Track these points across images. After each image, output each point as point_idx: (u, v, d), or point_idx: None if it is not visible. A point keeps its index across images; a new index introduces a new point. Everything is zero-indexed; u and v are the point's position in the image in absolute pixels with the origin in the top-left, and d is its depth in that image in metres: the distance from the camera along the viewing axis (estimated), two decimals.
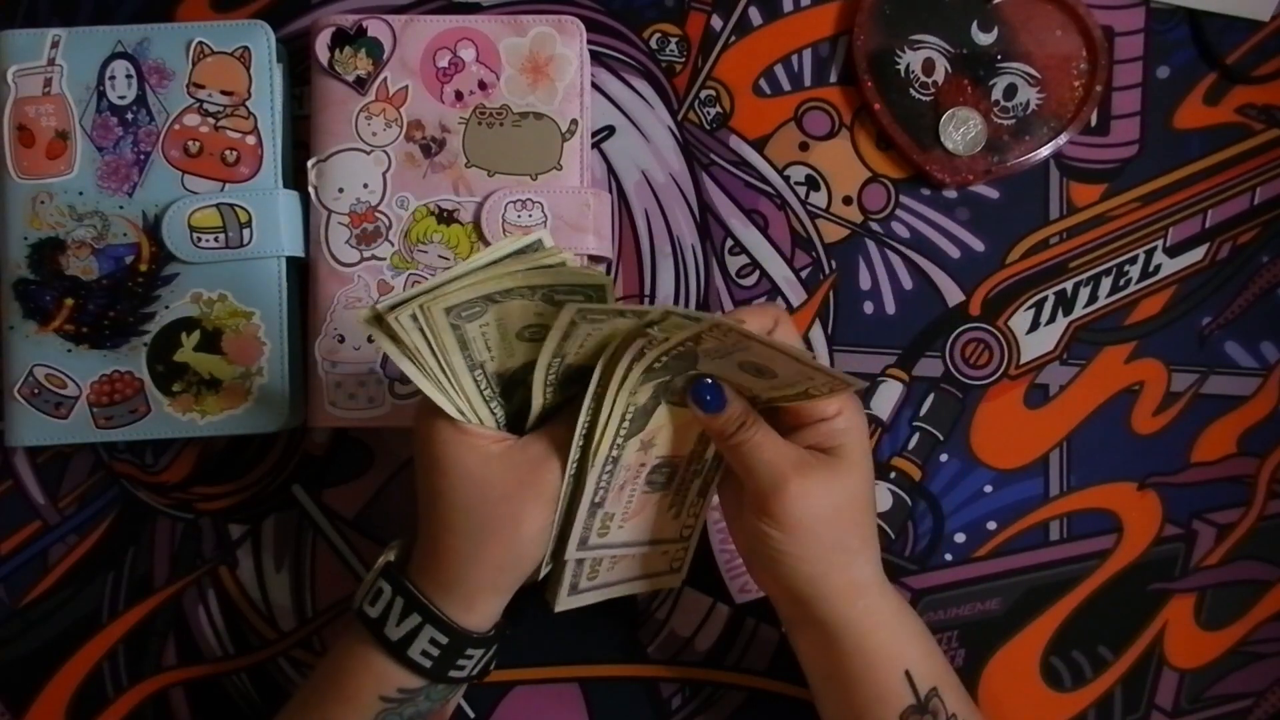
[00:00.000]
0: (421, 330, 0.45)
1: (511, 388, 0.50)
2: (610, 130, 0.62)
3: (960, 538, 0.61)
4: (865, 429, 0.50)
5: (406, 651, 0.49)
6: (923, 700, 0.49)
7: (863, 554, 0.50)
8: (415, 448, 0.50)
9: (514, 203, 0.58)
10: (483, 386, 0.48)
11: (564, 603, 0.54)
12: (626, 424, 0.48)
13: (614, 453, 0.49)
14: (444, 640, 0.49)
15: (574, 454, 0.48)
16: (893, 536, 0.61)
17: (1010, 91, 0.62)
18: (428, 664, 0.49)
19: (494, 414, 0.50)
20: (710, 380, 0.48)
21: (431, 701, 0.52)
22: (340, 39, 0.58)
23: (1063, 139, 0.61)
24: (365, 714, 0.50)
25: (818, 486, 0.48)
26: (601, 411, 0.47)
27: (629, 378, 0.46)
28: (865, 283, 0.62)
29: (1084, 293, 0.62)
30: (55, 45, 0.58)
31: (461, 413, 0.48)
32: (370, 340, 0.58)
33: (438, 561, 0.49)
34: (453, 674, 0.50)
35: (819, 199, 0.62)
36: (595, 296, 0.46)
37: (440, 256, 0.58)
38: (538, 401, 0.49)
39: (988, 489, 0.61)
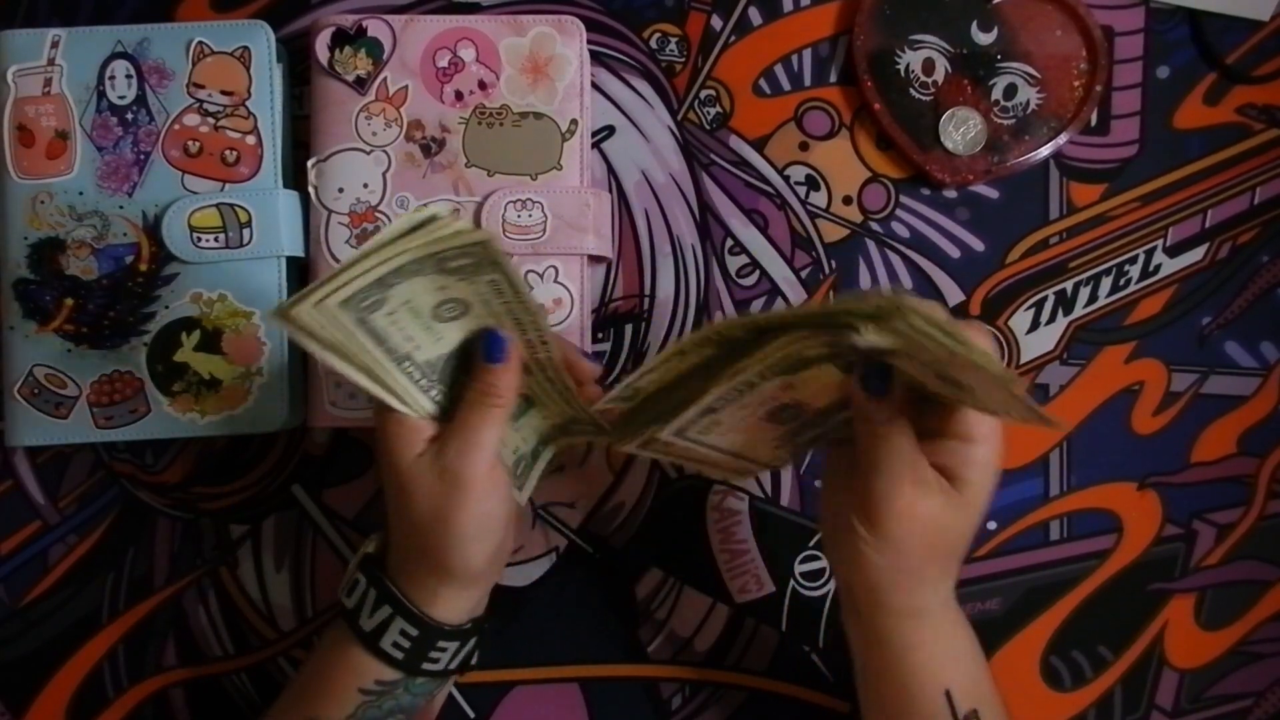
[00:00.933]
0: (329, 325, 0.44)
1: (455, 376, 0.50)
2: (610, 130, 0.62)
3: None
4: (996, 471, 0.48)
5: (379, 643, 0.49)
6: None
7: (936, 584, 0.48)
8: (375, 445, 0.51)
9: (514, 203, 0.58)
10: (417, 377, 0.48)
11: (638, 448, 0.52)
12: (782, 366, 0.46)
13: (756, 380, 0.46)
14: (414, 632, 0.49)
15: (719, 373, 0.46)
16: None
17: (1010, 91, 0.62)
18: (399, 655, 0.49)
19: (437, 401, 0.49)
20: (883, 368, 0.46)
21: (413, 695, 0.52)
22: (340, 39, 0.58)
23: (1063, 139, 0.61)
24: (345, 707, 0.50)
25: (925, 512, 0.46)
26: (765, 346, 0.45)
27: (809, 340, 0.44)
28: (865, 282, 0.62)
29: (1084, 293, 0.62)
30: (55, 45, 0.58)
31: (405, 403, 0.48)
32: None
33: (401, 554, 0.50)
34: (426, 666, 0.50)
35: (819, 199, 0.62)
36: (481, 256, 0.44)
37: None
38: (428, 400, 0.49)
39: None
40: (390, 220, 0.58)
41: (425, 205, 0.43)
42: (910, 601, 0.48)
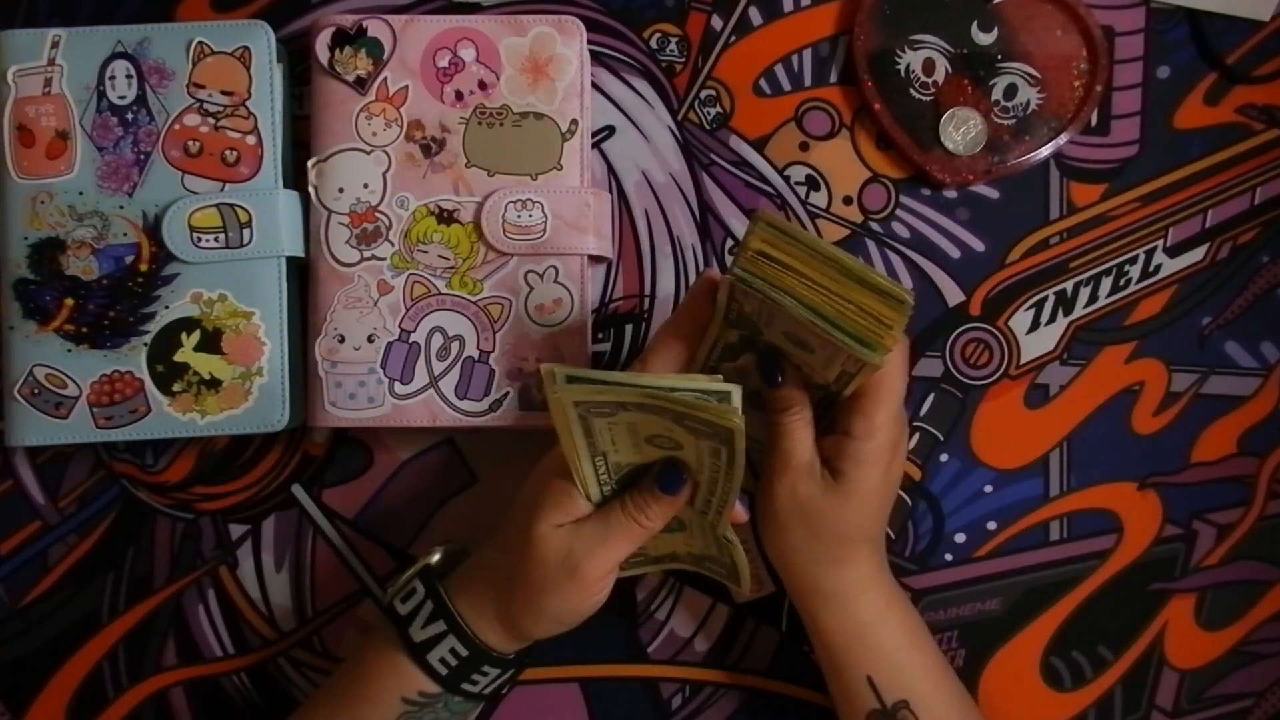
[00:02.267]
0: (582, 417, 0.46)
1: (628, 482, 0.51)
2: (610, 130, 0.62)
3: (960, 538, 0.61)
4: (883, 465, 0.50)
5: (427, 655, 0.50)
6: (890, 708, 0.52)
7: (831, 567, 0.52)
8: (527, 484, 0.52)
9: (514, 203, 0.58)
10: (601, 471, 0.49)
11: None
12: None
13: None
14: (464, 652, 0.50)
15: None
16: (893, 537, 0.61)
17: (1010, 91, 0.62)
18: (444, 671, 0.50)
19: (603, 495, 0.51)
20: (774, 358, 0.50)
21: (452, 713, 0.53)
22: (340, 39, 0.58)
23: (1063, 139, 0.61)
24: (388, 714, 0.51)
25: (803, 494, 0.50)
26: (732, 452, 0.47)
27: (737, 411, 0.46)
28: None
29: (1084, 293, 0.62)
30: (55, 45, 0.58)
31: (579, 480, 0.49)
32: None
33: (479, 579, 0.51)
34: (465, 687, 0.51)
35: (819, 199, 0.62)
36: (723, 435, 0.45)
37: (440, 256, 0.58)
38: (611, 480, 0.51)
39: (988, 489, 0.61)
40: (390, 220, 0.58)
41: (722, 384, 0.45)
42: (807, 581, 0.53)
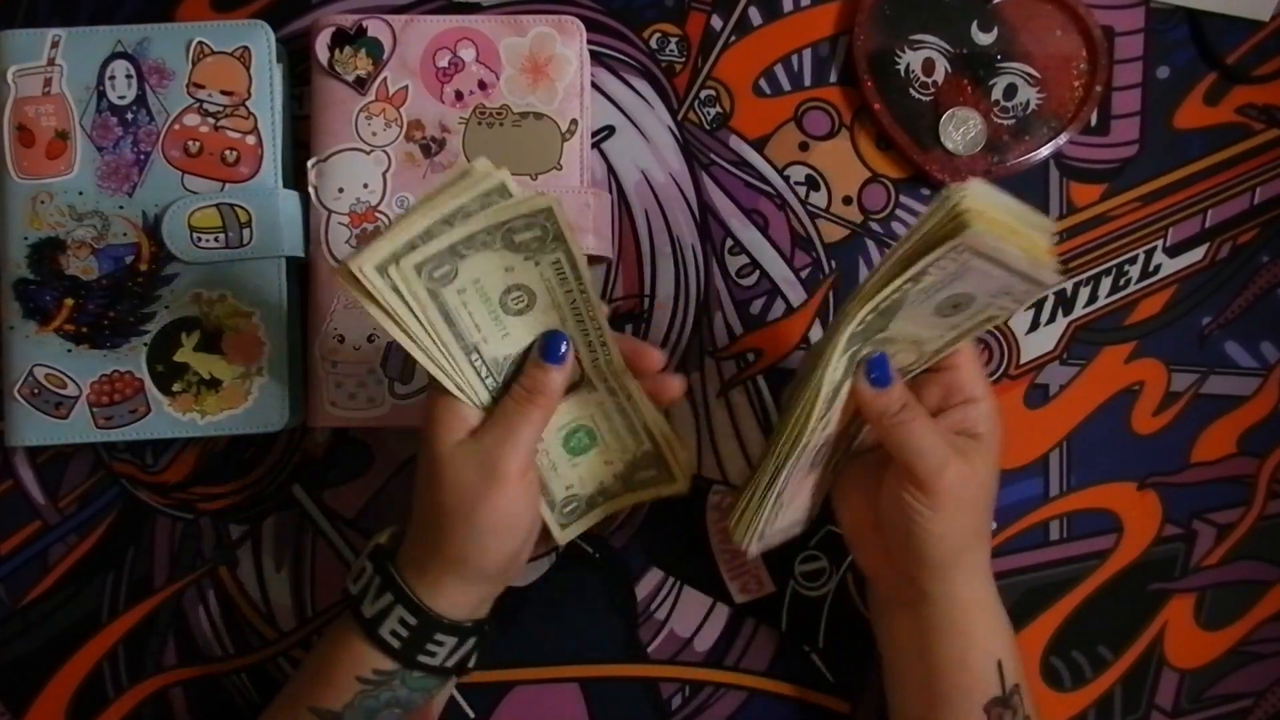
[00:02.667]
0: (397, 290, 0.45)
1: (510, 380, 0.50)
2: (610, 130, 0.62)
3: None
4: (1001, 416, 0.52)
5: (378, 630, 0.50)
6: (1007, 694, 0.50)
7: (987, 541, 0.53)
8: (421, 427, 0.51)
9: None
10: (483, 373, 0.49)
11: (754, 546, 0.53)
12: (828, 403, 0.48)
13: (810, 438, 0.49)
14: (412, 621, 0.50)
15: (784, 446, 0.49)
16: None
17: (1010, 91, 0.62)
18: (396, 644, 0.50)
19: (494, 397, 0.50)
20: (880, 355, 0.49)
21: (410, 690, 0.52)
22: (340, 39, 0.58)
23: (1063, 139, 0.61)
24: (344, 695, 0.51)
25: (974, 469, 0.50)
26: (806, 393, 0.47)
27: (834, 351, 0.46)
28: None
29: (1084, 292, 0.62)
30: (55, 45, 0.58)
31: (460, 389, 0.48)
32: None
33: (414, 541, 0.51)
34: (422, 659, 0.50)
35: (819, 199, 0.62)
36: (547, 222, 0.45)
37: None
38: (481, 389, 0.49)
39: None
40: (390, 220, 0.58)
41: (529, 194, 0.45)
42: (973, 559, 0.51)
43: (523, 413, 0.49)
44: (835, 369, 0.48)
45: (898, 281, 0.44)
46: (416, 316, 0.46)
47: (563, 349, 0.50)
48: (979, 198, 0.43)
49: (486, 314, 0.48)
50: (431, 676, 0.52)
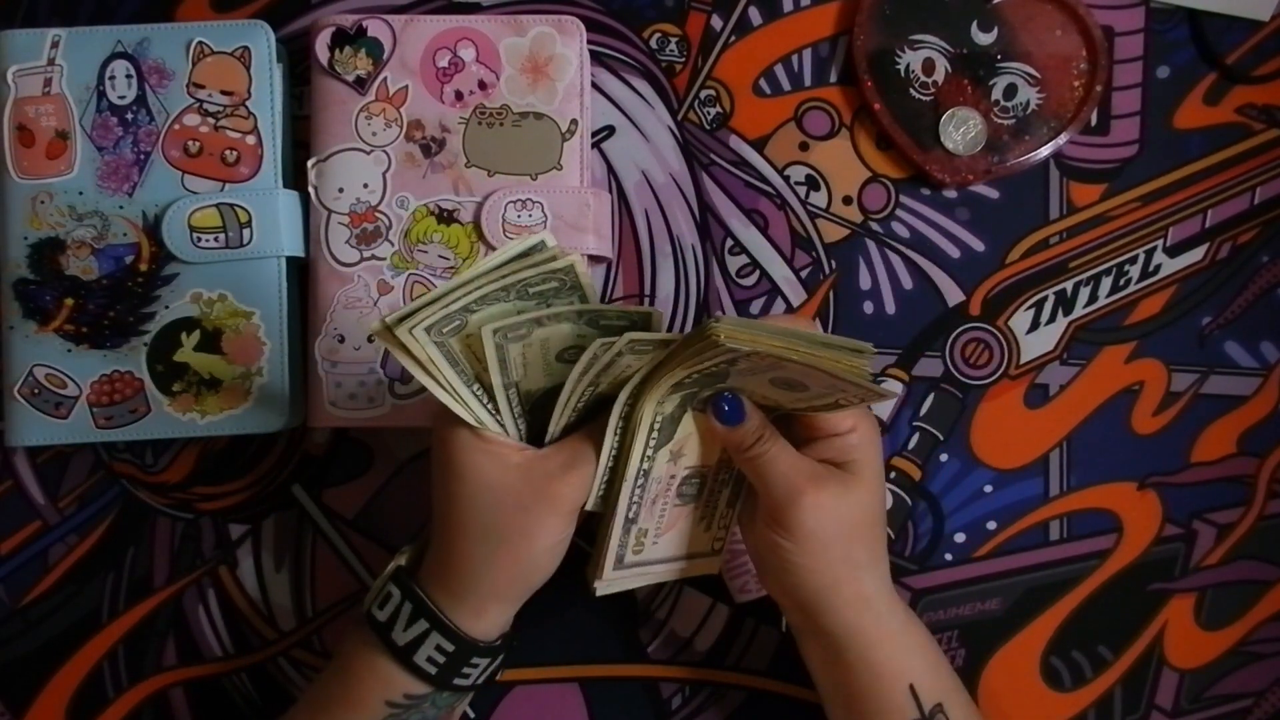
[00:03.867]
0: (438, 344, 0.45)
1: (538, 405, 0.50)
2: (610, 130, 0.62)
3: (960, 538, 0.61)
4: (879, 444, 0.51)
5: (413, 657, 0.49)
6: (927, 715, 0.50)
7: (871, 568, 0.51)
8: (434, 452, 0.50)
9: (514, 203, 0.58)
10: (514, 404, 0.49)
11: (608, 581, 0.53)
12: (656, 434, 0.48)
13: (644, 465, 0.49)
14: (450, 648, 0.49)
15: (603, 470, 0.49)
16: (893, 536, 0.61)
17: (1010, 91, 0.62)
18: (433, 670, 0.49)
19: (519, 429, 0.50)
20: (730, 394, 0.49)
21: (437, 709, 0.52)
22: (340, 39, 0.58)
23: (1063, 139, 0.61)
24: (372, 718, 0.50)
25: (830, 500, 0.48)
26: (632, 422, 0.48)
27: (657, 391, 0.47)
28: (865, 283, 0.62)
29: (1084, 292, 0.62)
30: (55, 45, 0.58)
31: (481, 421, 0.48)
32: (371, 340, 0.58)
33: (449, 568, 0.50)
34: (457, 682, 0.50)
35: (819, 199, 0.62)
36: (641, 325, 0.46)
37: (440, 256, 0.58)
38: (560, 421, 0.49)
39: (988, 489, 0.61)
40: (390, 220, 0.58)
41: (532, 231, 0.46)
42: (854, 589, 0.50)
43: (596, 453, 0.49)
44: (666, 404, 0.47)
45: (707, 365, 0.45)
46: (451, 361, 0.46)
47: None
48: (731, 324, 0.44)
49: (540, 361, 0.48)
50: (457, 694, 0.52)
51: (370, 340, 0.57)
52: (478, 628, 0.50)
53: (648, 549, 0.52)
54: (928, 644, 0.52)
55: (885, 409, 0.61)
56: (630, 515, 0.50)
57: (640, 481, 0.49)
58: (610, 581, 0.52)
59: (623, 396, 0.47)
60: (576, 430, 0.51)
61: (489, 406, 0.49)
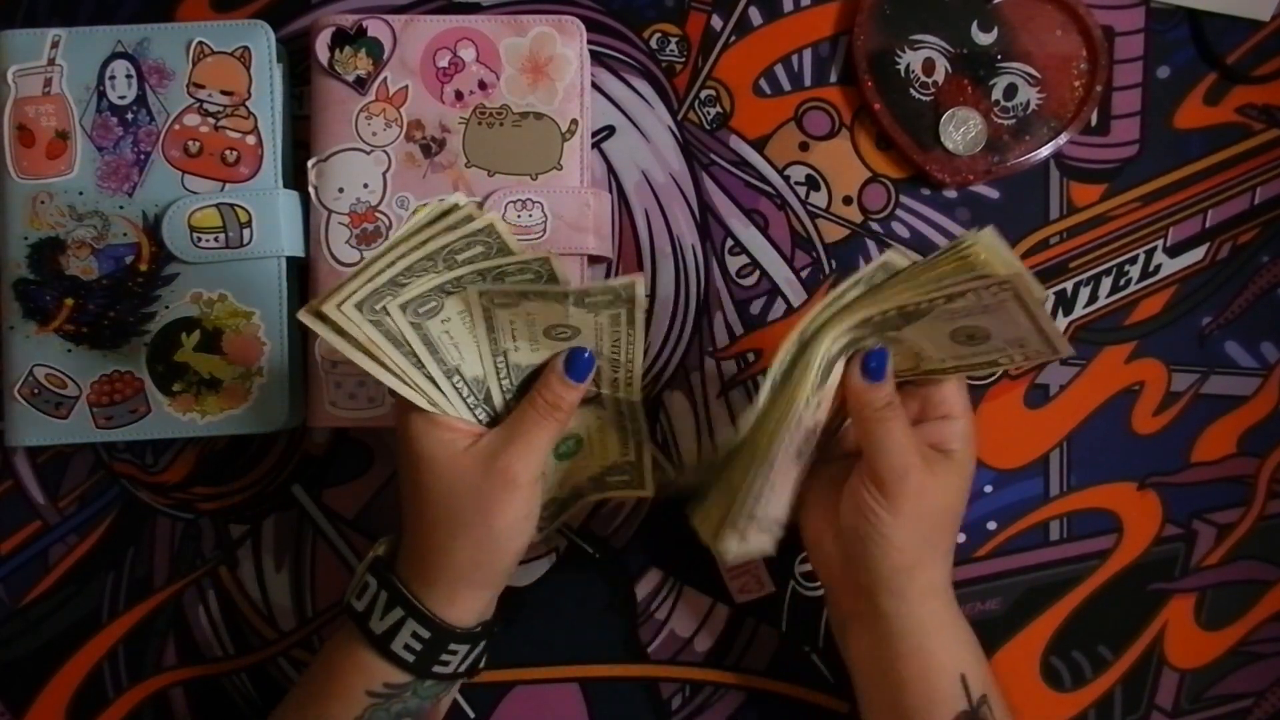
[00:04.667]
0: (375, 323, 0.45)
1: (527, 384, 0.50)
2: (610, 130, 0.62)
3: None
4: (976, 442, 0.52)
5: (390, 645, 0.49)
6: (974, 705, 0.50)
7: (946, 559, 0.51)
8: (396, 441, 0.51)
9: (514, 203, 0.58)
10: (464, 393, 0.49)
11: (754, 542, 0.53)
12: (818, 375, 0.48)
13: (803, 410, 0.48)
14: (426, 634, 0.49)
15: (759, 412, 0.49)
16: None
17: (1010, 91, 0.62)
18: (411, 658, 0.50)
19: (476, 416, 0.50)
20: (882, 349, 0.49)
21: (421, 699, 0.52)
22: (340, 39, 0.58)
23: (1063, 139, 0.61)
24: (354, 710, 0.50)
25: (938, 483, 0.49)
26: (802, 364, 0.47)
27: (838, 326, 0.46)
28: None
29: (1084, 292, 0.62)
30: (55, 45, 0.58)
31: (435, 404, 0.48)
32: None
33: (419, 555, 0.50)
34: (437, 669, 0.50)
35: (819, 199, 0.62)
36: (544, 272, 0.45)
37: None
38: (497, 397, 0.50)
39: (988, 489, 0.61)
40: (390, 220, 0.58)
41: (530, 230, 0.45)
42: (927, 576, 0.50)
43: (541, 424, 0.49)
44: (836, 343, 0.47)
45: (934, 294, 0.45)
46: (394, 341, 0.46)
47: (587, 371, 0.50)
48: (1009, 255, 0.44)
49: (528, 336, 0.48)
50: (441, 683, 0.52)
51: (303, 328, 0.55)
52: (452, 614, 0.50)
53: (772, 506, 0.52)
54: (974, 639, 0.52)
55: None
56: (775, 463, 0.50)
57: (793, 426, 0.49)
58: (745, 547, 0.52)
59: (795, 335, 0.47)
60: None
61: (467, 400, 0.49)
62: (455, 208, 0.45)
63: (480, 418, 0.51)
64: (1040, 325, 0.45)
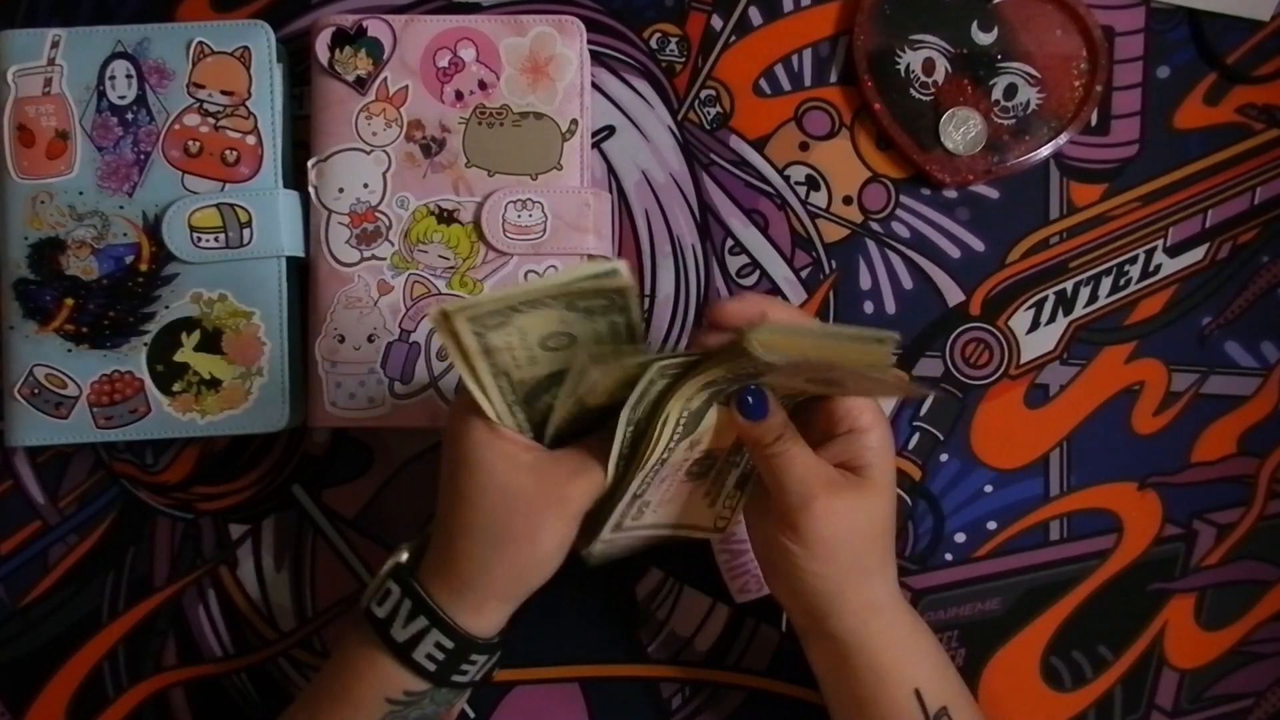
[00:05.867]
0: (477, 335, 0.45)
1: (533, 398, 0.50)
2: (610, 130, 0.62)
3: (960, 538, 0.61)
4: (893, 451, 0.51)
5: (412, 654, 0.49)
6: (932, 718, 0.50)
7: (880, 575, 0.50)
8: (446, 446, 0.50)
9: (514, 203, 0.58)
10: (507, 394, 0.49)
11: (605, 543, 0.53)
12: (680, 428, 0.48)
13: (665, 455, 0.49)
14: (450, 645, 0.49)
15: (618, 452, 0.48)
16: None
17: (1010, 91, 0.62)
18: (432, 667, 0.49)
19: (518, 421, 0.50)
20: (755, 388, 0.48)
21: (436, 705, 0.52)
22: (340, 39, 0.58)
23: (1063, 139, 0.61)
24: (370, 716, 0.50)
25: (843, 507, 0.48)
26: (656, 416, 0.47)
27: (687, 389, 0.46)
28: (865, 283, 0.62)
29: (1084, 292, 0.62)
30: (55, 45, 0.58)
31: (499, 417, 0.48)
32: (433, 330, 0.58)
33: (450, 565, 0.49)
34: (456, 678, 0.50)
35: (819, 199, 0.62)
36: (617, 300, 0.45)
37: (440, 256, 0.58)
38: (560, 415, 0.49)
39: (988, 489, 0.61)
40: (390, 220, 0.58)
41: (607, 263, 0.45)
42: (862, 596, 0.49)
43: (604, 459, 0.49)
44: (694, 401, 0.47)
45: (712, 377, 0.45)
46: (482, 353, 0.46)
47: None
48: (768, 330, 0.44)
49: (523, 350, 0.48)
50: (456, 690, 0.52)
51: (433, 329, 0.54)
52: (477, 625, 0.50)
53: (646, 516, 0.52)
54: (933, 648, 0.52)
55: (885, 407, 0.61)
56: (638, 492, 0.50)
57: (657, 468, 0.49)
58: (605, 544, 0.52)
59: (637, 395, 0.47)
60: (575, 430, 0.50)
61: (509, 400, 0.48)
62: (614, 272, 0.44)
63: (519, 421, 0.50)
64: (869, 376, 0.44)
